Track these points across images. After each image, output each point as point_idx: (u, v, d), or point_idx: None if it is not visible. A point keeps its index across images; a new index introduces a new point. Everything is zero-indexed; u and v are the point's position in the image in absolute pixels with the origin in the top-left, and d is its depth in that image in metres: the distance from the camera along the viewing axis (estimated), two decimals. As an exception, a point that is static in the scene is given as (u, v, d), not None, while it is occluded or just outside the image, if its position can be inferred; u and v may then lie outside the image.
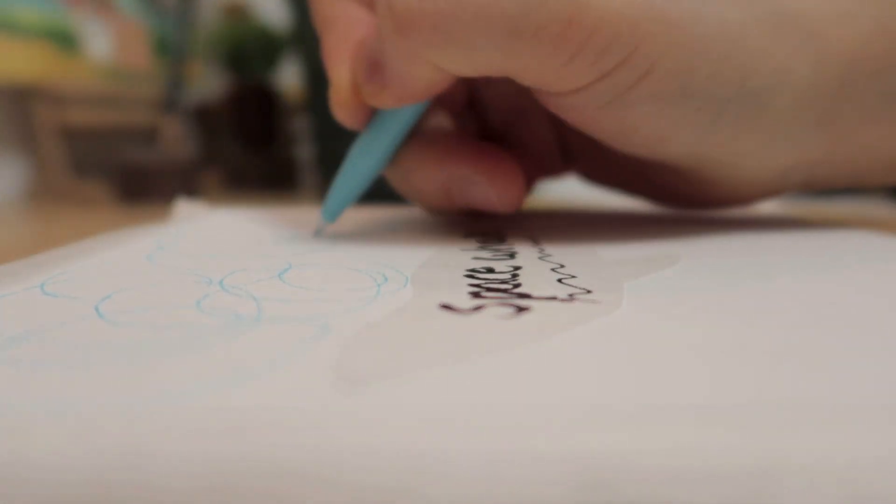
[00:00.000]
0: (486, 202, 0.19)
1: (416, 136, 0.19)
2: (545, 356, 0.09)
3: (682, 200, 0.23)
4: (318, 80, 0.42)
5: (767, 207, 0.28)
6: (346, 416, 0.07)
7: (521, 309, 0.11)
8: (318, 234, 0.19)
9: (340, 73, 0.18)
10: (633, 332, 0.10)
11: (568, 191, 0.45)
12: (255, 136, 0.56)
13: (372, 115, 0.18)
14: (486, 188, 0.18)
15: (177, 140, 0.53)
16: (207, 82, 0.66)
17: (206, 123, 0.63)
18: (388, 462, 0.07)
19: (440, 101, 0.21)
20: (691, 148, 0.18)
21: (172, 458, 0.07)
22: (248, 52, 0.56)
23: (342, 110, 0.18)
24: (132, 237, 0.19)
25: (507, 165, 0.19)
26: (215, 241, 0.18)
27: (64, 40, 0.50)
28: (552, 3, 0.14)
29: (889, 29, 0.18)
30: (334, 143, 0.42)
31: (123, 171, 0.43)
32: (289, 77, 0.63)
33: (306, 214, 0.25)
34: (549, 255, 0.16)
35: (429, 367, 0.08)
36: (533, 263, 0.15)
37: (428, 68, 0.15)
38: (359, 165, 0.18)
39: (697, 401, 0.07)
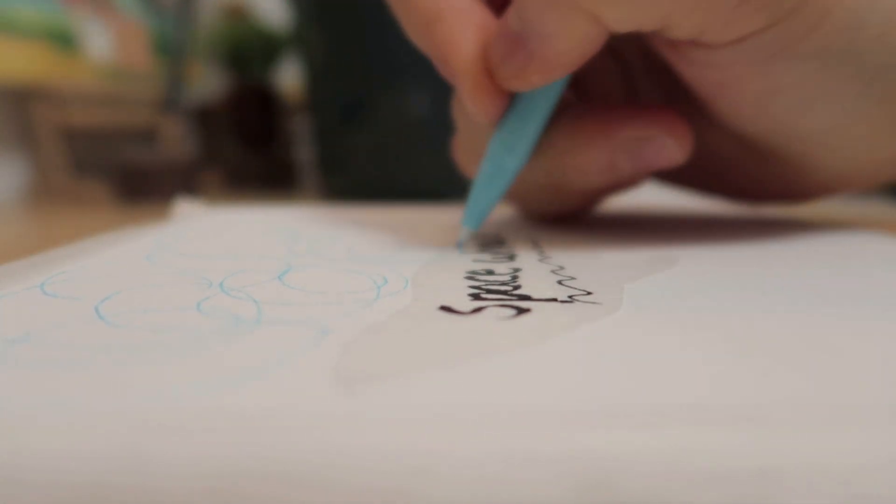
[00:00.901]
0: (666, 155, 0.17)
1: (559, 116, 0.18)
2: (545, 358, 0.09)
3: (765, 192, 0.22)
4: (317, 80, 0.42)
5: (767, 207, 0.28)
6: (346, 417, 0.07)
7: (521, 311, 0.11)
8: (462, 246, 0.17)
9: (469, 57, 0.16)
10: (634, 334, 0.10)
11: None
12: (254, 136, 0.56)
13: (508, 105, 0.17)
14: (664, 140, 0.17)
15: (177, 140, 0.53)
16: (207, 82, 0.66)
17: (206, 123, 0.63)
18: (388, 463, 0.07)
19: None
20: (828, 121, 0.17)
21: (172, 459, 0.07)
22: (248, 52, 0.56)
23: (478, 99, 0.16)
24: (132, 237, 0.19)
25: (675, 114, 0.17)
26: (215, 241, 0.18)
27: (64, 40, 0.50)
28: None
29: None
30: (334, 144, 0.42)
31: (123, 171, 0.43)
32: (289, 77, 0.63)
33: (306, 214, 0.25)
34: (548, 257, 0.16)
35: (428, 368, 0.08)
36: (533, 265, 0.15)
37: (585, 22, 0.14)
38: (504, 163, 0.17)
39: (697, 401, 0.07)
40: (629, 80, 0.21)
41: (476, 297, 0.12)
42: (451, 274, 0.14)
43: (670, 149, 0.17)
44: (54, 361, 0.09)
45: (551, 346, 0.09)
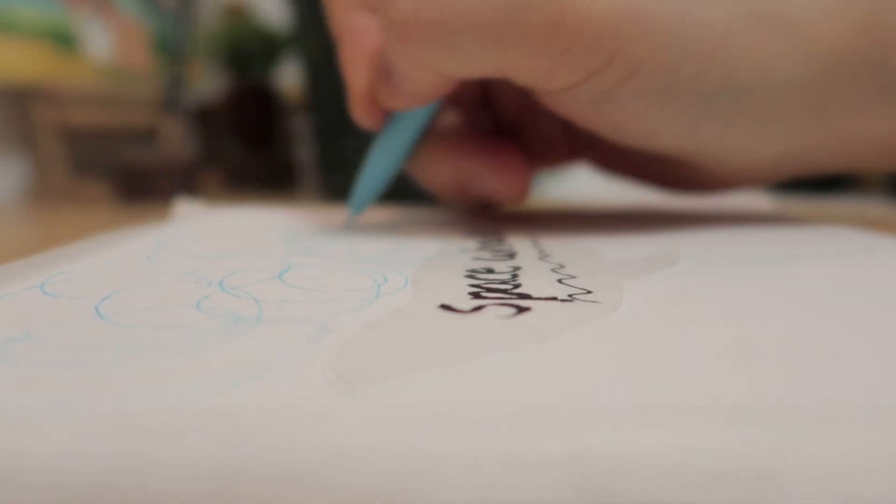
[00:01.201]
0: (494, 194, 0.20)
1: (431, 133, 0.20)
2: (545, 357, 0.09)
3: (681, 186, 0.24)
4: (317, 80, 0.42)
5: (767, 206, 0.28)
6: (346, 416, 0.07)
7: (521, 309, 0.11)
8: (349, 227, 0.21)
9: (357, 78, 0.19)
10: (633, 333, 0.10)
11: (567, 191, 0.45)
12: (254, 136, 0.56)
13: (388, 116, 0.20)
14: (494, 181, 0.20)
15: (177, 140, 0.53)
16: (207, 82, 0.66)
17: (206, 123, 0.63)
18: (388, 462, 0.07)
19: (454, 99, 0.22)
20: (681, 140, 0.18)
21: (172, 459, 0.07)
22: (248, 52, 0.56)
23: (360, 112, 0.19)
24: (132, 237, 0.19)
25: (513, 159, 0.20)
26: (215, 240, 0.18)
27: (64, 40, 0.50)
28: (537, 7, 0.15)
29: (874, 24, 0.18)
30: (334, 144, 0.42)
31: (123, 171, 0.43)
32: (289, 77, 0.63)
33: (306, 214, 0.25)
34: (548, 256, 0.16)
35: (428, 367, 0.08)
36: (533, 264, 0.15)
37: (429, 72, 0.17)
38: (378, 163, 0.20)
39: (697, 401, 0.07)
40: (500, 107, 0.24)
41: (476, 295, 0.12)
42: (451, 272, 0.14)
43: (497, 189, 0.20)
44: (54, 361, 0.09)
45: (551, 345, 0.09)
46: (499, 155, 0.20)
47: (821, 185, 0.41)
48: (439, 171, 0.21)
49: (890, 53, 0.18)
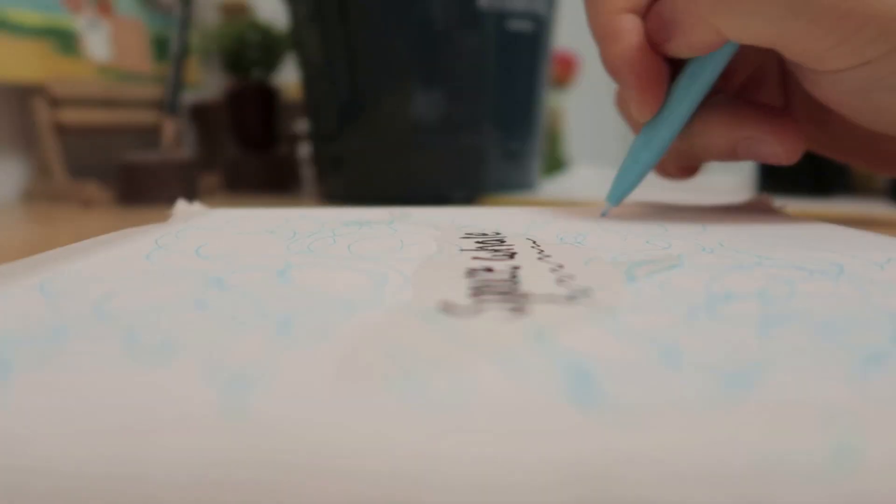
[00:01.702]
0: (774, 157, 0.22)
1: (705, 105, 0.22)
2: (545, 356, 0.09)
3: None
4: (315, 81, 0.42)
5: (768, 206, 0.28)
6: (346, 416, 0.07)
7: (520, 309, 0.11)
8: (604, 214, 0.23)
9: (629, 74, 0.21)
10: (633, 333, 0.10)
11: (567, 190, 0.45)
12: (254, 136, 0.56)
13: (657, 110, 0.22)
14: (774, 145, 0.22)
15: (176, 140, 0.53)
16: (207, 82, 0.66)
17: (205, 123, 0.63)
18: (388, 462, 0.07)
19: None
20: None
21: (172, 458, 0.07)
22: (248, 51, 0.56)
23: (637, 104, 0.22)
24: (132, 237, 0.19)
25: (790, 124, 0.22)
26: (215, 240, 0.18)
27: (64, 40, 0.50)
28: None
29: None
30: (332, 145, 0.42)
31: (123, 171, 0.43)
32: (288, 77, 0.63)
33: (306, 213, 0.25)
34: (548, 256, 0.16)
35: (428, 367, 0.08)
36: (532, 263, 0.15)
37: (710, 32, 0.19)
38: (640, 156, 0.23)
39: (697, 401, 0.07)
40: (787, 93, 0.26)
41: (476, 295, 0.12)
42: (451, 272, 0.14)
43: (777, 153, 0.22)
44: (54, 361, 0.09)
45: (551, 344, 0.09)
46: (776, 121, 0.22)
47: (821, 185, 0.41)
48: (715, 140, 0.23)
49: None
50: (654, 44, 0.21)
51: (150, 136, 0.55)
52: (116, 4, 0.56)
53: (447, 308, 0.11)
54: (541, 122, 0.44)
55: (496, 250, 0.17)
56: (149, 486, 0.07)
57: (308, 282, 0.13)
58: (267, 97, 0.57)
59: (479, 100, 0.39)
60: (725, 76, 0.25)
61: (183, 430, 0.07)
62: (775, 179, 0.42)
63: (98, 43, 0.53)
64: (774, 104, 0.26)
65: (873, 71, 0.17)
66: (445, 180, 0.40)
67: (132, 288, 0.13)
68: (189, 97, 0.62)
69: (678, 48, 0.21)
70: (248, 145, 0.57)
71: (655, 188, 0.27)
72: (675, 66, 0.23)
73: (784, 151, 0.22)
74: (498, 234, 0.20)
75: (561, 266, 0.15)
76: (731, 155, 0.23)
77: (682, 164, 0.26)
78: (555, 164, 0.68)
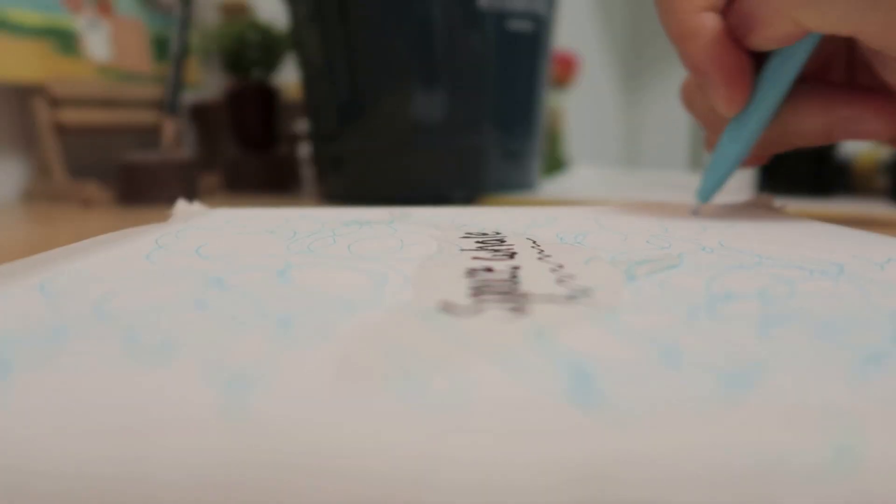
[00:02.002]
0: (874, 132, 0.22)
1: (795, 91, 0.23)
2: (545, 356, 0.09)
3: None
4: (314, 81, 0.42)
5: (769, 206, 0.28)
6: (346, 416, 0.07)
7: (520, 309, 0.11)
8: (695, 213, 0.24)
9: (713, 68, 0.22)
10: (633, 332, 0.10)
11: (567, 190, 0.45)
12: (254, 136, 0.56)
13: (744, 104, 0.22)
14: (873, 121, 0.22)
15: (176, 141, 0.53)
16: (207, 82, 0.66)
17: (205, 123, 0.63)
18: (388, 462, 0.07)
19: None
20: None
21: (172, 458, 0.07)
22: (248, 51, 0.56)
23: (726, 96, 0.22)
24: (132, 237, 0.19)
25: (887, 101, 0.22)
26: (214, 240, 0.18)
27: (64, 40, 0.50)
28: None
29: None
30: (332, 145, 0.42)
31: (123, 171, 0.43)
32: (288, 77, 0.63)
33: (305, 213, 0.25)
34: (548, 256, 0.16)
35: (428, 367, 0.08)
36: (532, 263, 0.15)
37: (788, 21, 0.19)
38: (728, 151, 0.23)
39: (696, 401, 0.07)
40: (849, 62, 0.26)
41: (476, 295, 0.12)
42: (451, 272, 0.14)
43: (878, 128, 0.22)
44: (54, 361, 0.09)
45: (550, 344, 0.09)
46: (874, 98, 0.22)
47: (821, 185, 0.41)
48: (812, 123, 0.23)
49: None
50: (736, 39, 0.21)
51: (150, 136, 0.55)
52: (116, 4, 0.56)
53: (447, 308, 0.11)
54: (541, 122, 0.44)
55: (496, 250, 0.17)
56: (149, 486, 0.07)
57: (308, 282, 0.13)
58: (267, 97, 0.57)
59: (479, 100, 0.39)
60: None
61: (183, 430, 0.07)
62: (775, 179, 0.42)
63: (98, 43, 0.53)
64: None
65: None
66: (445, 180, 0.40)
67: (132, 288, 0.13)
68: (189, 97, 0.62)
69: (761, 41, 0.21)
70: (248, 145, 0.57)
71: (656, 188, 0.27)
72: (758, 60, 0.23)
73: (885, 127, 0.22)
74: (498, 233, 0.20)
75: (561, 266, 0.15)
76: (828, 137, 0.23)
77: (764, 153, 0.26)
78: (555, 164, 0.68)
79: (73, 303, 0.11)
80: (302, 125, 0.59)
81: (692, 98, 0.27)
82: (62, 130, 0.48)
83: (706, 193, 0.24)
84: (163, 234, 0.19)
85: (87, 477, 0.07)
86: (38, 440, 0.07)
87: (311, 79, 0.43)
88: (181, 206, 0.25)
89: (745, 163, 0.27)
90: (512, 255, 0.16)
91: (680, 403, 0.07)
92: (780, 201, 0.28)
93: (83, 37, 0.52)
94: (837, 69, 0.26)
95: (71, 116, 0.48)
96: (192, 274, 0.14)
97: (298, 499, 0.07)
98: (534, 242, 0.18)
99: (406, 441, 0.07)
